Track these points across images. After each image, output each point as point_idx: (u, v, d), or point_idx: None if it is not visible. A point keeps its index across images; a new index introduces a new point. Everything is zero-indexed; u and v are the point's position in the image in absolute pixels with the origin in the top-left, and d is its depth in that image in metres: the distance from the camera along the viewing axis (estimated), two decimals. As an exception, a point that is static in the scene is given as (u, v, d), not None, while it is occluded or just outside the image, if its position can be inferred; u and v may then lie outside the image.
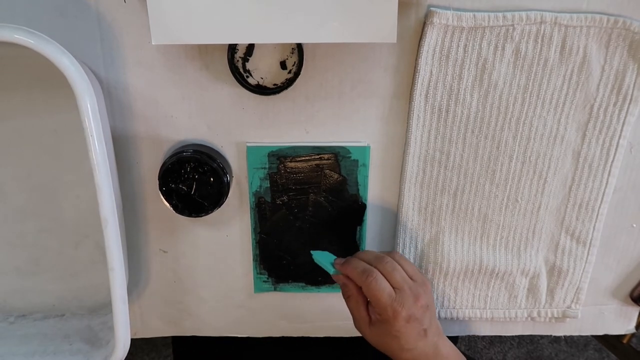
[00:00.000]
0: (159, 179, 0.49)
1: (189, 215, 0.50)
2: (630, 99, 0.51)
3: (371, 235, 0.58)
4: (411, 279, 0.48)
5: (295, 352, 0.65)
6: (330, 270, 0.51)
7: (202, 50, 0.49)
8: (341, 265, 0.50)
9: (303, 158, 0.53)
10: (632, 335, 0.84)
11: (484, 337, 1.42)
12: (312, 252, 0.53)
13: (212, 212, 0.51)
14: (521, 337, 1.42)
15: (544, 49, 0.49)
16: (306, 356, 0.65)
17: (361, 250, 0.58)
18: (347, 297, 0.50)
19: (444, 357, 0.49)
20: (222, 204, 0.51)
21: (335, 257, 0.52)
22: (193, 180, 0.49)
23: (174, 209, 0.50)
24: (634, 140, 0.54)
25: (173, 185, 0.49)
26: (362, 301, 0.49)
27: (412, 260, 0.58)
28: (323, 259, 0.52)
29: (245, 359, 0.65)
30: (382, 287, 0.46)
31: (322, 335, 0.63)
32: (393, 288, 0.46)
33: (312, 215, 0.55)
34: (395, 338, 0.46)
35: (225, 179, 0.50)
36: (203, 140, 0.53)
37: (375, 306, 0.47)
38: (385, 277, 0.47)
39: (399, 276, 0.47)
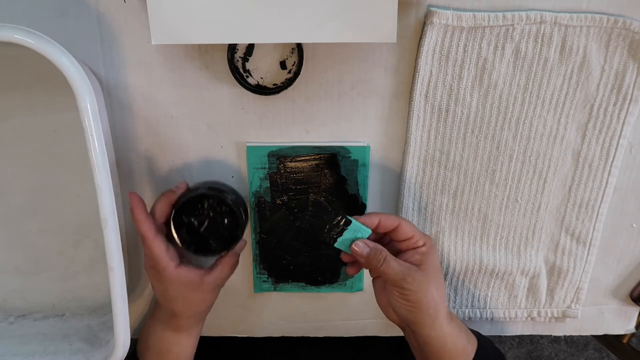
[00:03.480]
0: (174, 209, 0.47)
1: (194, 253, 0.48)
2: (630, 99, 0.51)
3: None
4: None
5: (295, 352, 0.64)
6: (361, 231, 0.46)
7: (202, 50, 0.49)
8: (367, 216, 0.46)
9: (303, 158, 0.53)
10: (632, 335, 0.84)
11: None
12: (336, 244, 0.47)
13: (218, 254, 0.49)
14: (521, 337, 1.42)
15: (544, 49, 0.49)
16: (306, 356, 0.65)
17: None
18: (383, 261, 0.45)
19: (454, 316, 0.50)
20: (230, 249, 0.49)
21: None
22: (207, 217, 0.47)
23: (181, 242, 0.47)
24: (634, 140, 0.54)
25: (185, 218, 0.47)
26: (397, 259, 0.46)
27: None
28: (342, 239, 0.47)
29: (245, 358, 0.65)
30: (413, 224, 0.47)
31: (322, 335, 0.63)
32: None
33: (312, 215, 0.55)
34: (440, 269, 0.48)
35: (240, 223, 0.48)
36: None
37: (415, 240, 0.46)
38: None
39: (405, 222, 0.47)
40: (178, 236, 0.47)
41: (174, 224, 0.47)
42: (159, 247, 0.46)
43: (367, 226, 0.46)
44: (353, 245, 0.46)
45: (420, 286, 0.45)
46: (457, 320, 0.50)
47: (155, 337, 0.52)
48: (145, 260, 0.48)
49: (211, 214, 0.47)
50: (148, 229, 0.46)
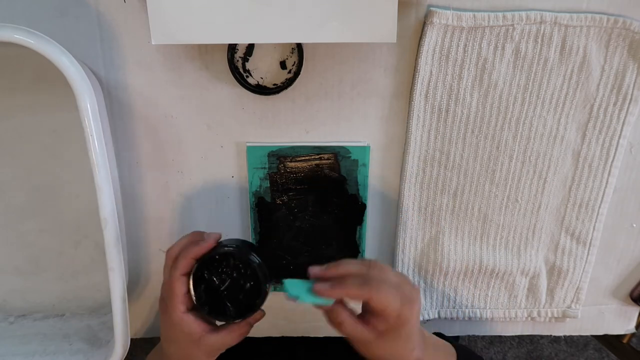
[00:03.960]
0: (197, 263, 0.44)
1: (207, 313, 0.44)
2: (630, 99, 0.51)
3: (371, 235, 0.58)
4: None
5: (295, 352, 0.64)
6: (312, 299, 0.41)
7: (202, 50, 0.49)
8: (331, 288, 0.41)
9: (303, 158, 0.53)
10: (632, 335, 0.84)
11: (484, 337, 1.42)
12: (284, 280, 0.43)
13: (231, 320, 0.45)
14: (521, 337, 1.42)
15: (544, 49, 0.49)
16: (306, 356, 0.65)
17: (362, 248, 0.58)
18: (339, 324, 0.42)
19: (430, 342, 0.48)
20: (246, 317, 0.45)
21: (311, 281, 0.43)
22: (229, 278, 0.44)
23: (197, 299, 0.44)
24: (634, 140, 0.54)
25: (207, 274, 0.44)
26: (357, 320, 0.43)
27: (412, 260, 0.58)
28: (297, 288, 0.42)
29: (245, 358, 0.65)
30: (391, 292, 0.41)
31: (322, 335, 0.63)
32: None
33: (312, 215, 0.55)
34: (408, 339, 0.43)
35: (262, 292, 0.44)
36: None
37: (386, 315, 0.41)
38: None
39: (393, 275, 0.43)
40: (195, 293, 0.44)
41: (193, 279, 0.44)
42: (181, 287, 0.43)
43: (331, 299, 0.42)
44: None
45: (372, 354, 0.43)
46: (430, 349, 0.47)
47: None
48: (161, 293, 0.46)
49: (234, 274, 0.44)
50: (184, 266, 0.43)
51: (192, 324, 0.44)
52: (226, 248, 0.44)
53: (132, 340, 0.49)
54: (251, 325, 0.47)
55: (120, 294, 0.45)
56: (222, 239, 0.47)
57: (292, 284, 0.42)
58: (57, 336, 0.54)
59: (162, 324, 0.47)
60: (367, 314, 0.42)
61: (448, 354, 0.50)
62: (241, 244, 0.46)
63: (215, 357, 0.47)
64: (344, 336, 0.43)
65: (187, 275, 0.44)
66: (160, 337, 0.52)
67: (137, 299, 0.59)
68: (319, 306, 0.42)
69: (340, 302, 0.43)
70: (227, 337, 0.46)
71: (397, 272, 0.46)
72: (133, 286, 0.58)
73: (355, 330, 0.42)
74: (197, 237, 0.45)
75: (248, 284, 0.44)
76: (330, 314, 0.43)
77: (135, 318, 0.60)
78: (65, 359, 0.50)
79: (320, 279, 0.42)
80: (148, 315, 0.60)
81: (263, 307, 0.45)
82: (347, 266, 0.42)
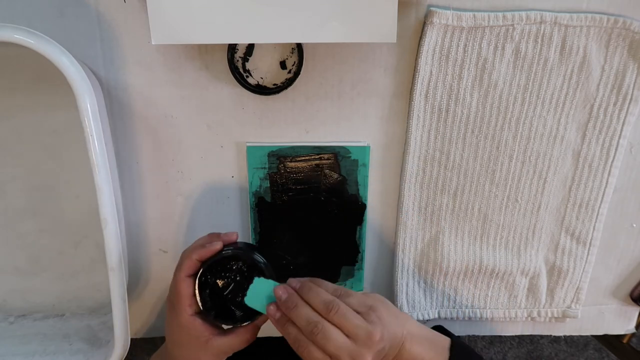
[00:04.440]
0: (202, 266, 0.43)
1: (214, 318, 0.44)
2: (630, 99, 0.51)
3: (371, 235, 0.58)
4: (357, 311, 0.41)
5: (295, 352, 0.64)
6: (260, 308, 0.42)
7: (202, 50, 0.49)
8: (275, 320, 0.41)
9: (303, 158, 0.53)
10: (632, 335, 0.84)
11: (484, 337, 1.42)
12: (256, 279, 0.43)
13: (238, 324, 0.45)
14: (521, 337, 1.42)
15: (544, 49, 0.49)
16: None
17: (362, 248, 0.58)
18: (299, 347, 0.41)
19: (423, 337, 0.45)
20: (254, 321, 0.44)
21: (276, 283, 0.43)
22: (234, 281, 0.43)
23: (202, 304, 0.43)
24: (634, 140, 0.54)
25: (211, 279, 0.43)
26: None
27: (412, 260, 0.58)
28: (261, 291, 0.43)
29: (245, 358, 0.65)
30: (318, 357, 0.40)
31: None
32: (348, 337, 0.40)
33: (312, 215, 0.55)
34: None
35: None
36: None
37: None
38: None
39: (349, 324, 0.40)
40: (200, 297, 0.43)
41: (198, 283, 0.43)
42: (187, 288, 0.43)
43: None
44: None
45: None
46: (420, 339, 0.45)
47: None
48: (168, 293, 0.46)
49: (239, 277, 0.44)
50: (188, 267, 0.43)
51: (200, 327, 0.44)
52: (231, 251, 0.44)
53: (132, 340, 0.49)
54: (258, 328, 0.47)
55: (120, 294, 0.45)
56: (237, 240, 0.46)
57: (260, 283, 0.43)
58: (57, 336, 0.54)
59: (168, 325, 0.47)
60: None
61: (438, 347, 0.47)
62: (245, 246, 0.46)
63: (225, 357, 0.47)
64: None
65: (193, 277, 0.44)
66: (161, 338, 0.52)
67: (137, 299, 0.59)
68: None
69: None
70: (235, 341, 0.45)
71: (360, 299, 0.42)
72: (133, 286, 0.58)
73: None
74: (210, 239, 0.45)
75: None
76: (288, 329, 0.42)
77: (135, 318, 0.60)
78: (65, 359, 0.50)
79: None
80: (148, 315, 0.60)
81: None
82: (310, 295, 0.41)
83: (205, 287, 0.43)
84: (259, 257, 0.44)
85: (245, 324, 0.45)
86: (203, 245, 0.44)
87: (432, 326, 0.53)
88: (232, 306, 0.44)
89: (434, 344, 0.46)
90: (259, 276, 0.44)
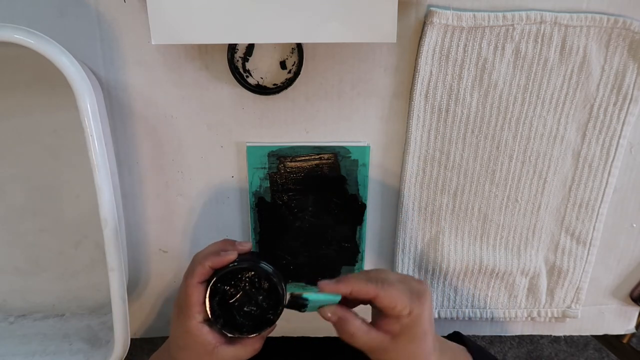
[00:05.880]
0: (215, 275, 0.42)
1: (221, 327, 0.43)
2: (630, 99, 0.51)
3: (371, 235, 0.58)
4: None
5: (295, 353, 0.64)
6: (328, 298, 0.41)
7: (202, 50, 0.49)
8: (336, 283, 0.40)
9: (303, 158, 0.53)
10: (632, 335, 0.84)
11: (484, 337, 1.42)
12: (304, 295, 0.42)
13: (245, 335, 0.44)
14: (521, 337, 1.42)
15: (544, 49, 0.49)
16: (306, 356, 0.65)
17: (362, 248, 0.58)
18: (351, 335, 0.40)
19: (448, 347, 0.46)
20: (261, 332, 0.44)
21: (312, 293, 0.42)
22: (245, 293, 0.43)
23: (211, 313, 0.43)
24: (634, 140, 0.54)
25: (221, 286, 0.42)
26: (368, 325, 0.41)
27: (412, 260, 0.58)
28: (313, 299, 0.41)
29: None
30: (398, 288, 0.39)
31: (322, 335, 0.63)
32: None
33: (312, 215, 0.55)
34: (424, 338, 0.41)
35: (279, 306, 0.43)
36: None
37: (400, 309, 0.39)
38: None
39: (396, 274, 0.42)
40: (210, 306, 0.43)
41: (210, 291, 0.42)
42: (198, 295, 0.42)
43: (337, 294, 0.41)
44: (320, 311, 0.41)
45: (390, 358, 0.41)
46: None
47: None
48: (177, 297, 0.45)
49: (250, 288, 0.43)
50: (201, 274, 0.43)
51: (207, 335, 0.43)
52: (247, 263, 0.43)
53: (132, 340, 0.49)
54: (264, 339, 0.46)
55: (120, 294, 0.45)
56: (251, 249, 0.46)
57: (313, 300, 0.41)
58: (57, 336, 0.54)
59: (174, 330, 0.46)
60: (378, 319, 0.41)
61: (466, 357, 0.48)
62: (256, 257, 0.45)
63: None
64: (361, 348, 0.41)
65: (204, 283, 0.43)
66: (161, 338, 0.52)
67: (137, 299, 0.59)
68: (325, 314, 0.41)
69: (350, 312, 0.41)
70: (241, 351, 0.45)
71: (400, 273, 0.44)
72: (133, 286, 0.58)
73: (369, 338, 0.40)
74: (224, 246, 0.44)
75: (264, 299, 0.43)
76: (341, 326, 0.41)
77: (135, 318, 0.60)
78: (65, 359, 0.50)
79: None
80: (148, 315, 0.60)
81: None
82: (351, 275, 0.42)
83: (215, 295, 0.43)
84: (272, 270, 0.43)
85: (252, 335, 0.44)
86: (217, 253, 0.43)
87: (443, 332, 0.54)
88: (239, 316, 0.43)
89: (456, 353, 0.47)
90: (269, 287, 0.43)
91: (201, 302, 0.43)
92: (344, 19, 0.42)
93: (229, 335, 0.43)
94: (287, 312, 0.61)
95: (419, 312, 0.40)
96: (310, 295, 0.41)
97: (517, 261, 0.58)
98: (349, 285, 0.40)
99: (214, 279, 0.42)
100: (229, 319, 0.43)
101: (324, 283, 0.41)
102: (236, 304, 0.43)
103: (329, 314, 0.41)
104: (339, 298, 0.41)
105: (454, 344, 0.49)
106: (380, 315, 0.41)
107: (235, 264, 0.43)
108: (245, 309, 0.43)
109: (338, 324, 0.41)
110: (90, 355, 0.50)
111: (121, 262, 0.45)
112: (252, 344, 0.45)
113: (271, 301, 0.43)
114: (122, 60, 0.49)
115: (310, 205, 0.55)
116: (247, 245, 0.45)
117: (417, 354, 0.41)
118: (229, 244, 0.45)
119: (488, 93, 0.51)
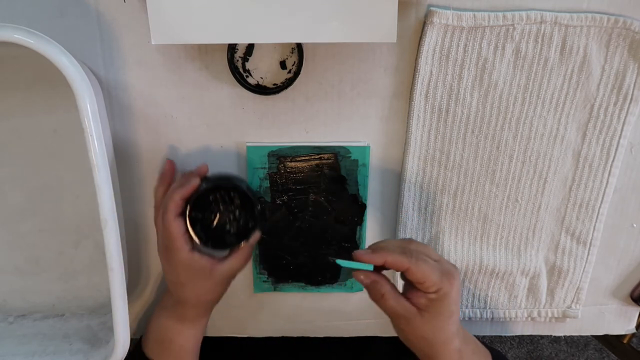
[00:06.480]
0: (188, 204, 0.45)
1: (212, 248, 0.47)
2: (631, 99, 0.51)
3: (371, 235, 0.58)
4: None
5: (295, 353, 0.64)
6: (361, 266, 0.43)
7: (202, 50, 0.49)
8: (371, 252, 0.42)
9: (303, 158, 0.53)
10: (633, 335, 0.84)
11: (484, 337, 1.42)
12: (337, 262, 0.45)
13: (234, 247, 0.48)
14: (521, 337, 1.42)
15: (544, 49, 0.49)
16: (306, 356, 0.65)
17: (362, 248, 0.58)
18: (380, 296, 0.43)
19: (471, 341, 0.47)
20: (248, 239, 0.48)
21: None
22: (220, 211, 0.47)
23: (198, 239, 0.46)
24: (634, 140, 0.54)
25: (199, 214, 0.46)
26: (398, 293, 0.43)
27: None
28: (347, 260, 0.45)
29: (245, 359, 0.65)
30: (430, 264, 0.41)
31: (322, 335, 0.63)
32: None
33: (312, 215, 0.55)
34: (452, 315, 0.43)
35: (255, 213, 0.47)
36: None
37: (428, 284, 0.41)
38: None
39: (433, 252, 0.44)
40: (195, 233, 0.46)
41: (189, 220, 0.46)
42: (179, 227, 0.45)
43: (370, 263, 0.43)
44: (354, 274, 0.44)
45: (414, 332, 0.43)
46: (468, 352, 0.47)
47: (159, 325, 0.52)
48: (159, 241, 0.48)
49: (224, 208, 0.46)
50: (175, 208, 0.45)
51: (200, 260, 0.46)
52: (210, 183, 0.46)
53: (132, 340, 0.49)
54: (253, 247, 0.49)
55: (120, 294, 0.45)
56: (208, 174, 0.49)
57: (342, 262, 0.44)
58: (57, 336, 0.54)
59: (168, 272, 0.49)
60: (408, 291, 0.43)
61: (486, 356, 0.49)
62: (219, 176, 0.48)
63: (229, 285, 0.50)
64: (384, 311, 0.44)
65: (181, 217, 0.46)
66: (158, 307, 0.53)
67: (137, 299, 0.59)
68: (358, 277, 0.43)
69: (383, 277, 0.43)
70: (235, 263, 0.48)
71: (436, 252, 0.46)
72: (133, 286, 0.58)
73: (397, 303, 0.42)
74: (185, 178, 0.47)
75: (240, 211, 0.47)
76: (372, 288, 0.43)
77: (136, 318, 0.60)
78: (65, 359, 0.50)
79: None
80: (148, 316, 0.60)
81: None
82: (388, 242, 0.44)
83: (195, 224, 0.46)
84: (239, 182, 0.47)
85: (242, 243, 0.47)
86: (182, 184, 0.46)
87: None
88: (223, 234, 0.47)
89: (484, 355, 0.47)
90: (240, 197, 0.46)
91: (184, 233, 0.46)
92: (344, 19, 0.42)
93: (221, 253, 0.47)
94: (287, 312, 0.62)
95: (446, 291, 0.41)
96: (344, 262, 0.44)
97: (517, 261, 0.58)
98: (384, 256, 0.42)
99: (189, 208, 0.45)
100: (215, 240, 0.46)
101: (359, 253, 0.43)
102: (217, 225, 0.46)
103: (362, 277, 0.43)
104: (370, 268, 0.43)
105: (479, 343, 0.49)
106: (410, 288, 0.43)
107: (202, 186, 0.46)
108: (227, 227, 0.47)
109: (370, 286, 0.43)
110: (90, 355, 0.50)
111: (121, 262, 0.45)
112: (243, 253, 0.49)
113: (247, 210, 0.47)
114: (122, 60, 0.49)
115: (310, 205, 0.55)
116: (204, 167, 0.49)
117: (440, 331, 0.43)
118: (188, 175, 0.48)
119: (488, 93, 0.51)
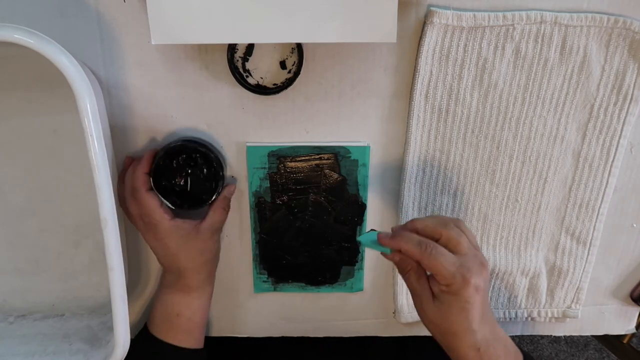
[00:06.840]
0: (151, 175, 0.49)
1: (188, 209, 0.50)
2: (631, 99, 0.51)
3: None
4: (474, 247, 0.44)
5: (295, 353, 0.64)
6: (382, 249, 0.45)
7: (202, 50, 0.49)
8: (391, 239, 0.44)
9: (303, 158, 0.53)
10: (632, 335, 0.84)
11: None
12: (358, 239, 0.51)
13: (208, 203, 0.51)
14: (521, 337, 1.42)
15: (544, 49, 0.49)
16: (306, 356, 0.65)
17: (362, 248, 0.58)
18: (405, 272, 0.45)
19: (501, 341, 0.45)
20: (220, 191, 0.51)
21: (377, 231, 0.46)
22: (186, 174, 0.49)
23: (174, 205, 0.50)
24: (634, 140, 0.54)
25: (165, 182, 0.49)
26: (423, 273, 0.44)
27: (412, 260, 0.58)
28: (370, 240, 0.46)
29: (245, 359, 0.65)
30: (444, 255, 0.42)
31: (322, 335, 0.63)
32: (457, 255, 0.42)
33: (312, 215, 0.55)
34: (463, 311, 0.42)
35: (218, 167, 0.50)
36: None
37: (440, 278, 0.42)
38: (450, 243, 0.43)
39: (465, 242, 0.43)
40: (169, 201, 0.49)
41: (160, 190, 0.49)
42: (153, 200, 0.48)
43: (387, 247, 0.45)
44: (383, 253, 0.46)
45: (425, 314, 0.44)
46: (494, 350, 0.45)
47: (165, 302, 0.53)
48: (139, 226, 0.50)
49: (188, 170, 0.49)
50: (143, 183, 0.48)
51: (184, 224, 0.49)
52: (163, 150, 0.49)
53: (132, 340, 0.49)
54: (229, 199, 0.53)
55: (120, 294, 0.45)
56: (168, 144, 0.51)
57: (366, 237, 0.46)
58: (57, 336, 0.54)
59: (158, 249, 0.51)
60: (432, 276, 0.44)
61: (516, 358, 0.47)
62: (173, 142, 0.50)
63: (219, 240, 0.54)
64: (407, 287, 0.46)
65: (152, 192, 0.49)
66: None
67: (137, 299, 0.59)
68: (386, 255, 0.46)
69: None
70: (216, 216, 0.51)
71: (476, 242, 0.45)
72: (133, 286, 0.58)
73: (416, 282, 0.44)
74: (135, 160, 0.50)
75: (204, 168, 0.49)
76: (400, 263, 0.45)
77: (135, 318, 0.60)
78: (65, 359, 0.50)
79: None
80: (148, 316, 0.60)
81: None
82: (423, 222, 0.45)
83: (168, 194, 0.49)
84: (196, 143, 0.49)
85: (214, 197, 0.50)
86: (138, 161, 0.49)
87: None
88: (198, 194, 0.50)
89: (508, 348, 0.46)
90: (200, 156, 0.49)
91: (160, 204, 0.49)
92: (344, 19, 0.42)
93: (198, 211, 0.50)
94: (287, 312, 0.62)
95: (458, 288, 0.41)
96: (367, 243, 0.46)
97: (517, 261, 0.58)
98: (399, 244, 0.44)
99: (153, 177, 0.48)
100: (191, 202, 0.50)
101: (382, 235, 0.45)
102: (190, 188, 0.49)
103: (390, 255, 0.46)
104: (388, 252, 0.46)
105: (512, 343, 0.47)
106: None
107: (160, 155, 0.48)
108: (199, 186, 0.50)
109: (399, 262, 0.45)
110: (90, 355, 0.50)
111: (121, 262, 0.45)
112: (219, 205, 0.52)
113: (210, 165, 0.49)
114: (122, 60, 0.49)
115: (310, 205, 0.55)
116: (152, 151, 0.50)
117: (448, 322, 0.43)
118: (145, 153, 0.50)
119: (488, 93, 0.51)
